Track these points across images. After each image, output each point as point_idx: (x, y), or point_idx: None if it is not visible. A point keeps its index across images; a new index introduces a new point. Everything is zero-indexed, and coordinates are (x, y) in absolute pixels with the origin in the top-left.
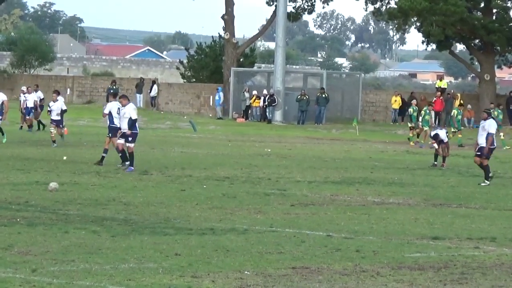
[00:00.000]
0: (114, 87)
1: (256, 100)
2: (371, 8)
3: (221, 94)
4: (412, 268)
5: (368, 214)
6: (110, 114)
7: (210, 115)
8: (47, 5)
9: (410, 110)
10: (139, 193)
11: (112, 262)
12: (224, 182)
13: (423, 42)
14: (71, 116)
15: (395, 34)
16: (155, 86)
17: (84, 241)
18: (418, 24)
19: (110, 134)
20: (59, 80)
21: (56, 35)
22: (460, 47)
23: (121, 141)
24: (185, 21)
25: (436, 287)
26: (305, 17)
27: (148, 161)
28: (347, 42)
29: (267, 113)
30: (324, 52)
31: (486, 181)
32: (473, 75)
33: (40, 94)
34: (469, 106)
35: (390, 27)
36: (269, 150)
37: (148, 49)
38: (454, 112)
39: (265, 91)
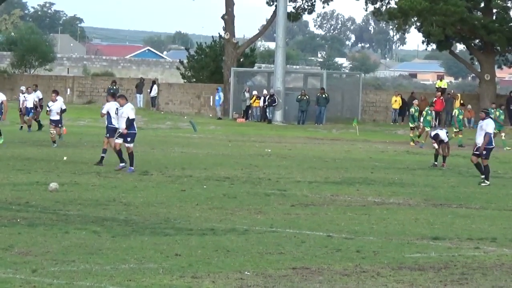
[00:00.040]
0: (114, 87)
1: (256, 100)
2: (371, 8)
3: (221, 94)
4: (413, 268)
5: (368, 214)
6: (108, 114)
7: (210, 115)
8: (47, 5)
9: (412, 110)
10: (139, 194)
11: (112, 262)
12: (224, 182)
13: (423, 42)
14: (71, 116)
15: (395, 34)
16: (155, 86)
17: (85, 242)
18: (418, 24)
19: (108, 135)
20: (59, 80)
21: (56, 35)
22: (460, 47)
23: (119, 140)
24: (185, 21)
25: (437, 287)
26: (305, 17)
27: (148, 161)
28: (347, 42)
29: (267, 113)
30: (324, 52)
31: (487, 181)
32: (473, 75)
33: (39, 94)
34: (469, 106)
35: (390, 27)
36: (269, 150)
37: (148, 49)
38: (456, 112)
39: (265, 91)
